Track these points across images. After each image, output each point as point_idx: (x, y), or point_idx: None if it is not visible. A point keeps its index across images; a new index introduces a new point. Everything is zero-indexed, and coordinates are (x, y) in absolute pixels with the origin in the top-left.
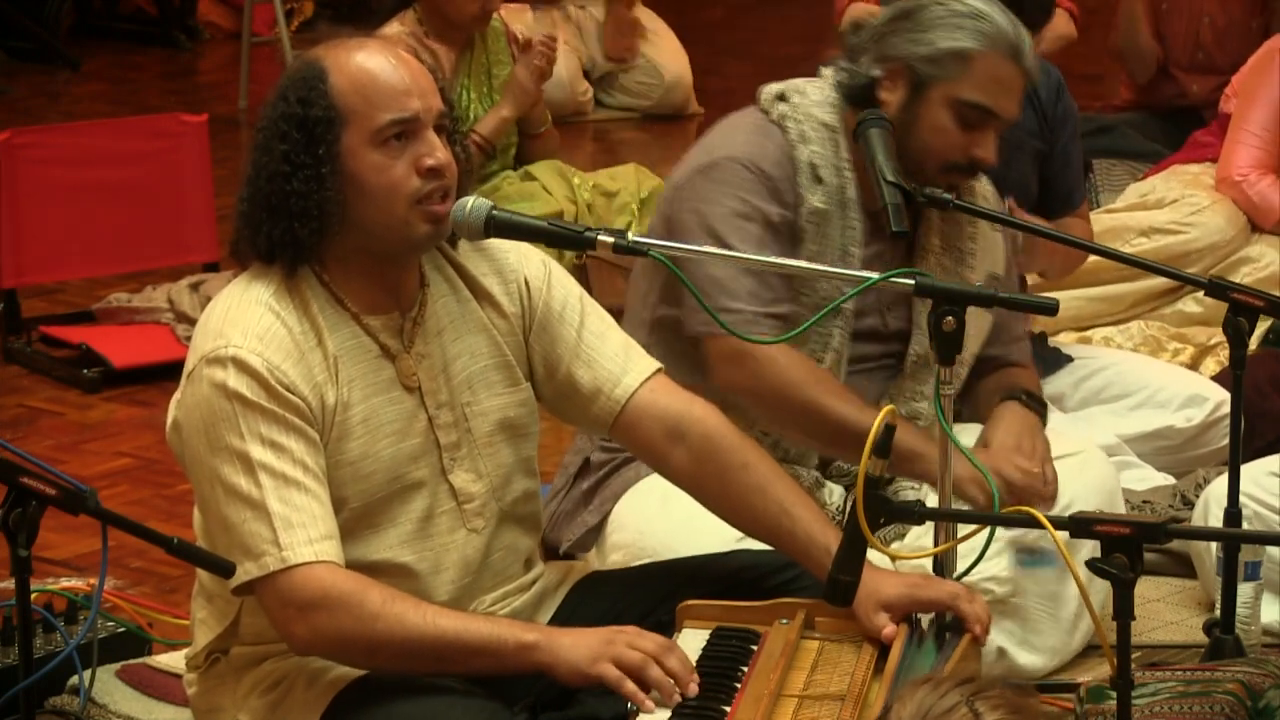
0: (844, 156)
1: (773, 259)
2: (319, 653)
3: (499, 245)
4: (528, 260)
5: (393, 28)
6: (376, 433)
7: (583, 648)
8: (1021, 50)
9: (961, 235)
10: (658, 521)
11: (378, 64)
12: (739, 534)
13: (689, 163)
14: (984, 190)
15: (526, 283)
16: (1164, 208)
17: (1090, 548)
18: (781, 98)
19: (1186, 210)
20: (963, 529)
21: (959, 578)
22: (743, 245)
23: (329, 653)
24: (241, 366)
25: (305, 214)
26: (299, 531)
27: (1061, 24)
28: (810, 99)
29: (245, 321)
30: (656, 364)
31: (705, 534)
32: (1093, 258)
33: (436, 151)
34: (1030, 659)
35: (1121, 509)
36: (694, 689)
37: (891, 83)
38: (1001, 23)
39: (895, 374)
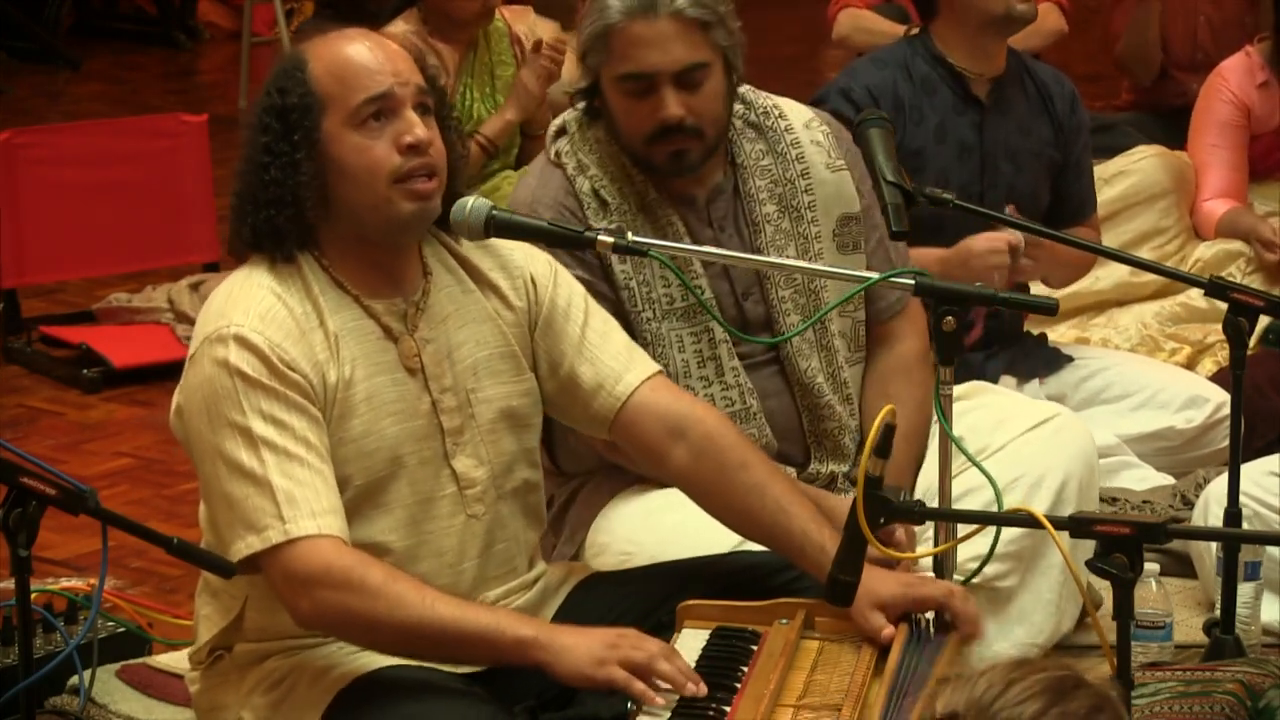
0: (627, 163)
1: (773, 260)
2: (320, 628)
3: (504, 243)
4: (534, 259)
5: (397, 27)
6: (379, 411)
7: (583, 650)
8: (652, 1)
9: (796, 193)
10: (643, 537)
11: (354, 48)
12: (723, 546)
13: None
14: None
15: (533, 279)
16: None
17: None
18: (561, 131)
19: (1135, 157)
20: (963, 529)
21: (965, 582)
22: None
23: (330, 628)
24: (243, 343)
25: (280, 201)
26: (302, 505)
27: (1052, 19)
28: (588, 118)
29: (247, 302)
30: (657, 365)
31: (692, 549)
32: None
33: (415, 128)
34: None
35: (1097, 470)
36: (702, 689)
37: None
38: None
39: (779, 364)
